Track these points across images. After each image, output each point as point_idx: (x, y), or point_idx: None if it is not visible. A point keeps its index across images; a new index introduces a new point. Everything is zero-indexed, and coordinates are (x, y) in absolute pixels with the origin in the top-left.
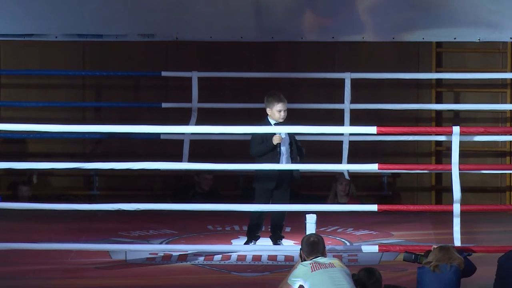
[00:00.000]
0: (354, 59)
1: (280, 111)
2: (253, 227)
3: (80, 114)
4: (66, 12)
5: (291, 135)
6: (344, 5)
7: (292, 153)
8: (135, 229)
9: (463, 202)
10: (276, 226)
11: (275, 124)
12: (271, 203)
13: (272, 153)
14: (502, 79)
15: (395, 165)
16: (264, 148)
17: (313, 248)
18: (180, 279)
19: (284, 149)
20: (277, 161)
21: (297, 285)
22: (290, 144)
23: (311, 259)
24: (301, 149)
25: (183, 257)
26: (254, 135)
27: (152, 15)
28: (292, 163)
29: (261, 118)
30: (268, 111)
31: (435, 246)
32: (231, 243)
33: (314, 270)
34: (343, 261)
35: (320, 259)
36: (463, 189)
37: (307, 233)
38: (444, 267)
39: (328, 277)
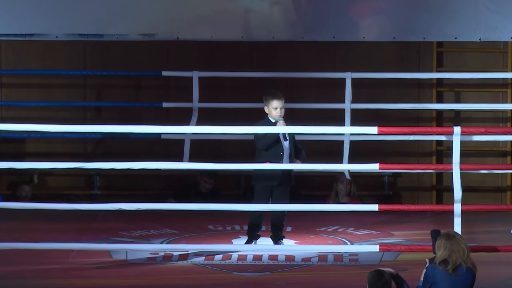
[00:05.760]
0: (354, 59)
1: (276, 108)
2: (253, 226)
3: (81, 114)
4: (67, 11)
5: (291, 136)
6: (345, 5)
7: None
8: (136, 228)
9: (463, 202)
10: (276, 226)
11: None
12: (271, 202)
13: (276, 148)
14: (502, 78)
15: (396, 165)
16: (269, 139)
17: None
18: (181, 278)
19: (287, 144)
20: (281, 157)
21: None
22: (290, 144)
23: None
24: (301, 151)
25: (184, 257)
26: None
27: (153, 14)
28: (291, 162)
29: (262, 117)
30: (266, 109)
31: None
32: (232, 242)
33: None
34: (344, 260)
35: None
36: (464, 189)
37: None
38: (460, 269)
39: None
